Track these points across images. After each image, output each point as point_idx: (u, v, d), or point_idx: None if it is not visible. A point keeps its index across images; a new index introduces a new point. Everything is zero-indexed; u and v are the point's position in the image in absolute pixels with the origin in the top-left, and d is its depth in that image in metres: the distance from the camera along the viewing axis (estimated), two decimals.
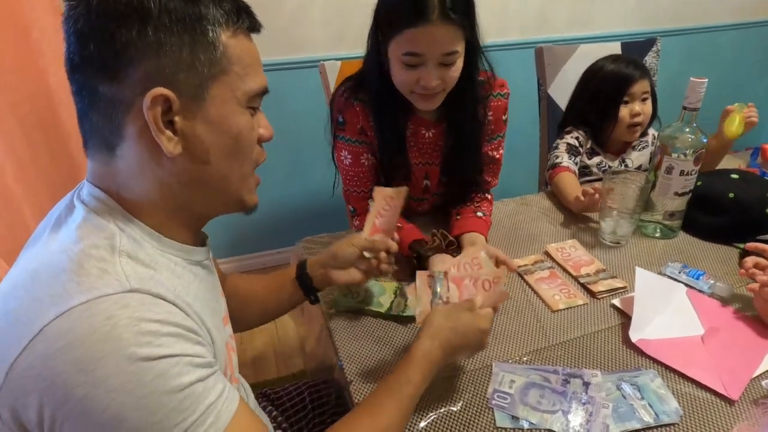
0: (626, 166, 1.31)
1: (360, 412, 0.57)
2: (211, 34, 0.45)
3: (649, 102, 1.27)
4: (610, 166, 1.32)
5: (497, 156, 1.06)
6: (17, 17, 1.12)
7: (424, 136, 1.01)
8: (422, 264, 0.88)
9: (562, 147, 1.30)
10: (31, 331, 0.39)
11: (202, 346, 0.45)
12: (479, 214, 1.03)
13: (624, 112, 1.25)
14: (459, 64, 0.86)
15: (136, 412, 0.39)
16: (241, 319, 0.80)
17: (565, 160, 1.25)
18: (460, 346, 0.63)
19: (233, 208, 0.54)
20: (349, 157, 1.00)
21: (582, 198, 1.05)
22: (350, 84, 0.99)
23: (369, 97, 0.96)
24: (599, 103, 1.28)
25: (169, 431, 0.40)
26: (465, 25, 0.82)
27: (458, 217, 1.04)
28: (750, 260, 0.80)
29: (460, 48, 0.84)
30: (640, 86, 1.25)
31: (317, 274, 0.78)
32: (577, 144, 1.31)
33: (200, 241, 0.58)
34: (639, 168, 1.31)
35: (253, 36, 0.51)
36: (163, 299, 0.43)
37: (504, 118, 1.03)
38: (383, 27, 0.86)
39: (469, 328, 0.63)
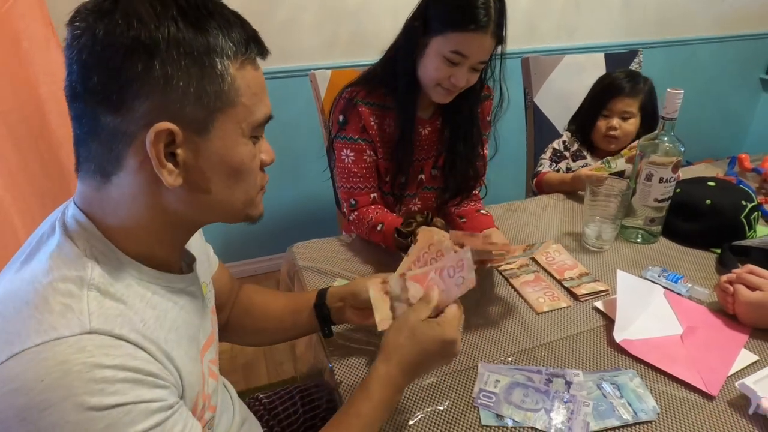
0: (610, 167, 1.35)
1: None
2: (219, 67, 0.44)
3: (632, 121, 1.31)
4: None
5: (483, 153, 1.14)
6: (7, 27, 1.13)
7: (420, 134, 1.07)
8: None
9: (548, 153, 1.38)
10: None
11: (164, 389, 0.44)
12: (483, 211, 1.09)
13: (601, 123, 1.32)
14: (481, 70, 0.96)
15: None
16: (254, 335, 0.80)
17: (545, 167, 1.36)
18: (423, 361, 0.58)
19: (237, 221, 0.54)
20: (351, 155, 1.03)
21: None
22: (356, 86, 1.03)
23: (378, 97, 1.01)
24: (588, 108, 1.36)
25: None
26: (501, 40, 0.92)
27: (464, 220, 1.07)
28: (724, 278, 0.82)
29: (488, 58, 0.94)
30: (623, 104, 1.30)
31: (335, 307, 0.75)
32: (562, 148, 1.38)
33: (185, 265, 0.57)
34: (622, 172, 1.35)
35: None
36: (125, 340, 0.42)
37: (488, 118, 1.11)
38: (433, 21, 0.91)
39: (429, 339, 0.57)
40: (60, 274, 0.43)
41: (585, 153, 1.38)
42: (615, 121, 1.31)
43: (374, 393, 0.56)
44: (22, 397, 0.37)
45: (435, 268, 0.62)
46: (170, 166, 0.44)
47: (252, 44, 0.47)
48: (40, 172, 1.19)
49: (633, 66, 1.73)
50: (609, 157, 1.30)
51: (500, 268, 0.95)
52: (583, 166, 1.36)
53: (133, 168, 0.44)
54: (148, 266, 0.49)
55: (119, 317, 0.43)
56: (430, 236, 0.71)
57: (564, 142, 1.39)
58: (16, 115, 1.12)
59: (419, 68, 0.96)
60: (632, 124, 1.32)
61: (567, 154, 1.39)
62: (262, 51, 0.49)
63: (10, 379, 0.38)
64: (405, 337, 0.58)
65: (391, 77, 0.99)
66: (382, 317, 0.62)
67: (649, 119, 1.34)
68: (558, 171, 1.39)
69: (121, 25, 0.40)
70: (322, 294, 0.76)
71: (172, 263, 0.53)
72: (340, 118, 1.03)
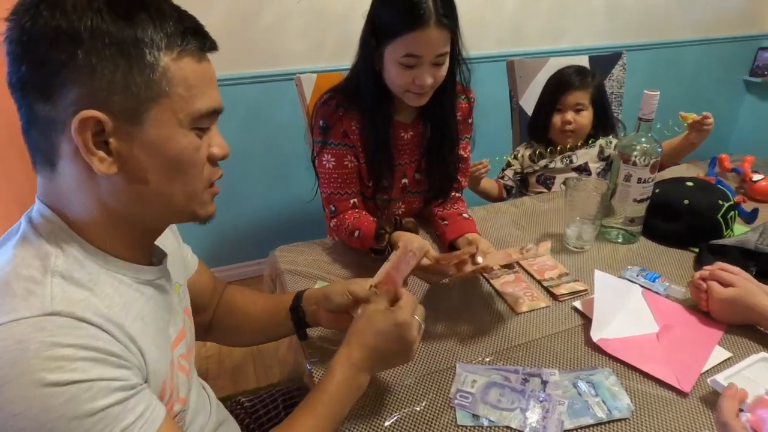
0: (571, 161, 1.40)
1: (278, 429, 0.58)
2: (149, 57, 0.44)
3: (585, 113, 1.36)
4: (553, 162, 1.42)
5: (465, 155, 1.14)
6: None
7: (402, 138, 1.07)
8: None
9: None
10: None
11: (127, 369, 0.45)
12: (465, 215, 1.09)
13: (556, 118, 1.37)
14: (446, 63, 0.95)
15: None
16: (235, 335, 0.81)
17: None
18: (380, 343, 0.61)
19: (184, 219, 0.54)
20: (332, 160, 1.04)
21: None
22: (336, 94, 1.03)
23: (357, 105, 1.01)
24: (541, 107, 1.41)
25: None
26: (453, 29, 0.91)
27: (446, 222, 1.08)
28: (697, 275, 0.84)
29: (448, 49, 0.93)
30: (574, 97, 1.35)
31: (310, 310, 0.75)
32: (512, 157, 1.49)
33: (155, 259, 0.58)
34: (585, 165, 1.39)
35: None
36: (88, 323, 0.42)
37: (470, 120, 1.12)
38: (380, 33, 0.92)
39: (384, 323, 0.61)
40: (23, 261, 0.44)
41: (544, 153, 1.43)
42: (569, 115, 1.36)
43: (336, 372, 0.60)
44: None
45: (392, 268, 0.71)
46: (101, 154, 0.45)
47: (190, 37, 0.47)
48: (23, 179, 1.19)
49: (617, 68, 1.76)
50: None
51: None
52: (544, 165, 1.41)
53: (69, 155, 0.45)
54: (114, 257, 0.50)
55: (83, 302, 0.44)
56: (410, 243, 0.77)
57: (515, 154, 1.49)
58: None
59: (385, 79, 0.96)
60: (586, 117, 1.37)
61: (515, 162, 1.48)
62: (205, 44, 0.49)
63: None
64: (363, 322, 0.63)
65: (359, 93, 0.99)
66: None
67: (601, 113, 1.38)
68: (503, 178, 1.49)
69: (45, 17, 0.42)
70: (298, 297, 0.77)
71: (137, 258, 0.53)
72: (321, 123, 1.03)
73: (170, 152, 0.48)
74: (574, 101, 1.35)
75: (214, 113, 0.51)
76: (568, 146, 1.39)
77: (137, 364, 0.47)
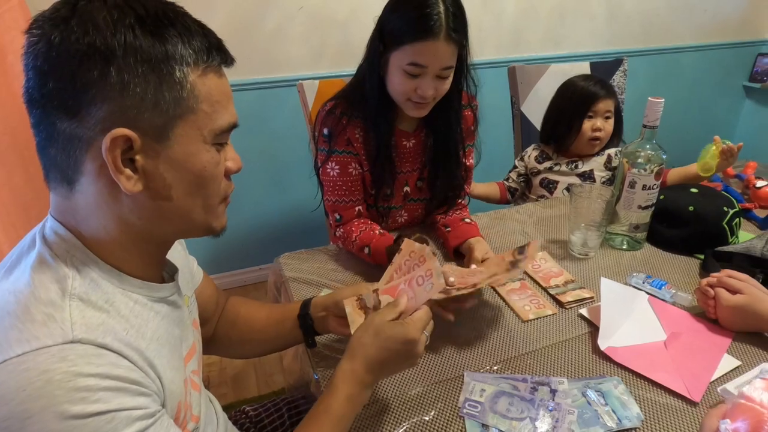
0: (576, 166, 1.41)
1: None
2: (178, 74, 0.44)
3: (611, 121, 1.38)
4: (558, 164, 1.44)
5: (468, 163, 1.14)
6: None
7: (405, 147, 1.07)
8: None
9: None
10: None
11: (146, 396, 0.44)
12: (467, 220, 1.09)
13: (586, 125, 1.37)
14: (450, 77, 0.95)
15: None
16: (239, 347, 0.80)
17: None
18: (385, 358, 0.59)
19: (199, 234, 0.54)
20: (336, 168, 1.04)
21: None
22: (340, 101, 1.03)
23: (359, 111, 1.01)
24: (566, 115, 1.40)
25: None
26: (461, 44, 0.91)
27: (448, 229, 1.08)
28: (704, 282, 0.83)
29: (454, 63, 0.93)
30: (605, 104, 1.36)
31: (318, 317, 0.75)
32: (518, 160, 1.51)
33: (167, 275, 0.58)
34: (590, 172, 1.40)
35: (235, 56, 0.50)
36: (108, 349, 0.42)
37: (473, 128, 1.12)
38: (389, 37, 0.92)
39: (392, 338, 0.59)
40: (42, 284, 0.43)
41: (551, 155, 1.45)
42: (599, 122, 1.37)
43: (340, 389, 0.58)
44: (4, 407, 0.37)
45: (404, 280, 0.66)
46: (128, 171, 0.44)
47: (215, 52, 0.47)
48: (24, 186, 1.18)
49: (618, 74, 1.77)
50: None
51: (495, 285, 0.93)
52: (548, 167, 1.43)
53: (92, 173, 0.44)
54: (129, 275, 0.49)
55: (101, 326, 0.43)
56: (411, 244, 0.72)
57: (522, 157, 1.51)
58: (0, 127, 1.12)
59: (387, 86, 0.96)
60: (611, 125, 1.39)
61: (521, 164, 1.50)
62: (226, 59, 0.49)
63: None
64: (369, 335, 0.60)
65: (363, 98, 0.99)
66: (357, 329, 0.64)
67: (619, 120, 1.41)
68: (507, 180, 1.53)
69: (77, 32, 0.41)
70: (306, 304, 0.76)
71: (151, 275, 0.53)
72: (325, 131, 1.03)
73: (194, 168, 0.47)
74: (605, 108, 1.36)
75: (233, 128, 0.51)
76: (595, 152, 1.41)
77: (156, 390, 0.46)
